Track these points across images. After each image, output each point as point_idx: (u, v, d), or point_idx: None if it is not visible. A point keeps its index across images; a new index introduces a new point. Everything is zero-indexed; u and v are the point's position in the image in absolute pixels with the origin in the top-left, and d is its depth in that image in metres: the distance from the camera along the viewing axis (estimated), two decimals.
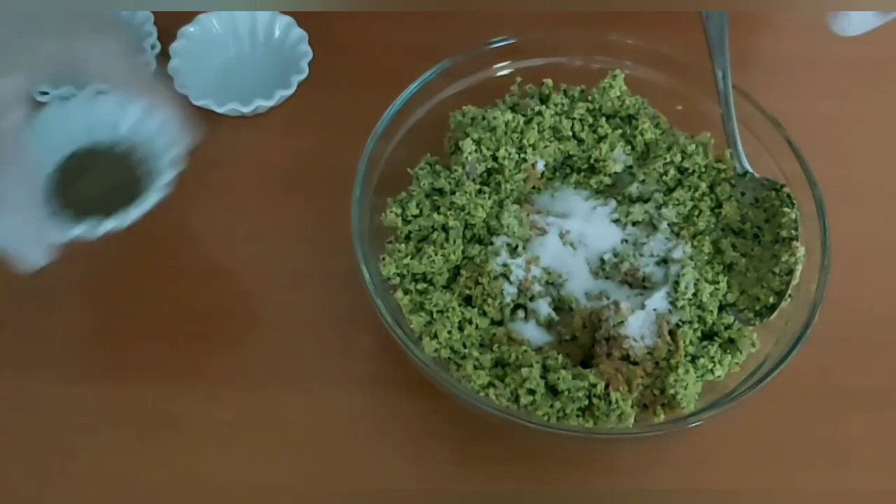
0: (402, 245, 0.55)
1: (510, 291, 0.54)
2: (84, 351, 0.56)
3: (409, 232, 0.56)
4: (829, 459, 0.54)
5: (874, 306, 0.59)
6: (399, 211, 0.55)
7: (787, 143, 0.55)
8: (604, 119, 0.59)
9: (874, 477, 0.53)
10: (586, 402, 0.50)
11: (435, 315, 0.53)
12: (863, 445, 0.54)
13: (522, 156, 0.57)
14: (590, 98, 0.60)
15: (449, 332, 0.52)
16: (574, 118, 0.59)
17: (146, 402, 0.54)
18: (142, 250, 0.59)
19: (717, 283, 0.54)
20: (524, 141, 0.57)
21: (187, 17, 0.68)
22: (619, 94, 0.59)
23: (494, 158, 0.57)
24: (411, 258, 0.54)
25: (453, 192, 0.56)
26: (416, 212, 0.56)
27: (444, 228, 0.55)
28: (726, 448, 0.54)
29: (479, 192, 0.56)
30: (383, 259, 0.54)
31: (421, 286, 0.54)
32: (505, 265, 0.54)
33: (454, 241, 0.55)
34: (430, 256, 0.54)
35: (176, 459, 0.52)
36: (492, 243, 0.55)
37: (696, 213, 0.57)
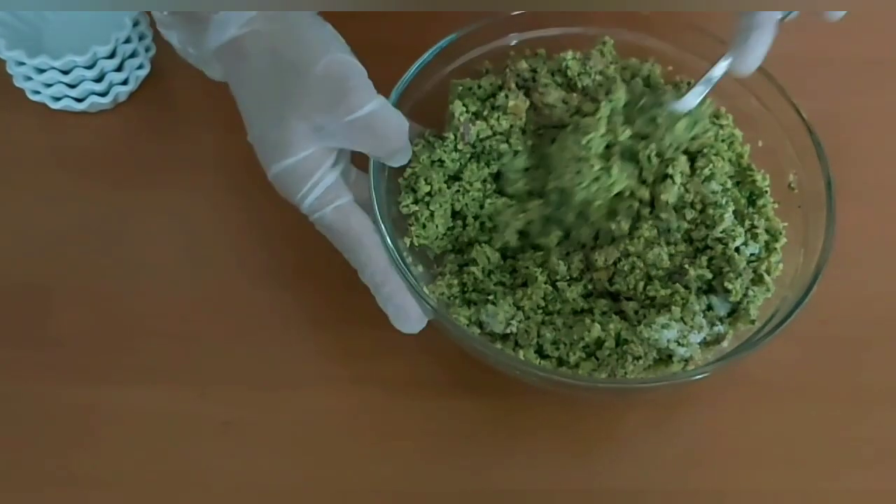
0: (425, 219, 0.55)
1: None
2: (84, 351, 0.56)
3: (432, 213, 0.55)
4: (829, 459, 0.54)
5: (875, 306, 0.59)
6: (410, 199, 0.54)
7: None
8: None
9: (874, 476, 0.54)
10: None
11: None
12: (863, 445, 0.54)
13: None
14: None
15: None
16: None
17: (145, 402, 0.54)
18: (141, 250, 0.59)
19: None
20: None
21: None
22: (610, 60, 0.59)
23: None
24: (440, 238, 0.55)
25: (442, 163, 0.55)
26: (427, 188, 0.54)
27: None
28: (725, 448, 0.54)
29: (474, 158, 0.56)
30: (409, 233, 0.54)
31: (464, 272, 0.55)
32: None
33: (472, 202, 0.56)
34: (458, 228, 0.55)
35: (175, 459, 0.53)
36: None
37: None
